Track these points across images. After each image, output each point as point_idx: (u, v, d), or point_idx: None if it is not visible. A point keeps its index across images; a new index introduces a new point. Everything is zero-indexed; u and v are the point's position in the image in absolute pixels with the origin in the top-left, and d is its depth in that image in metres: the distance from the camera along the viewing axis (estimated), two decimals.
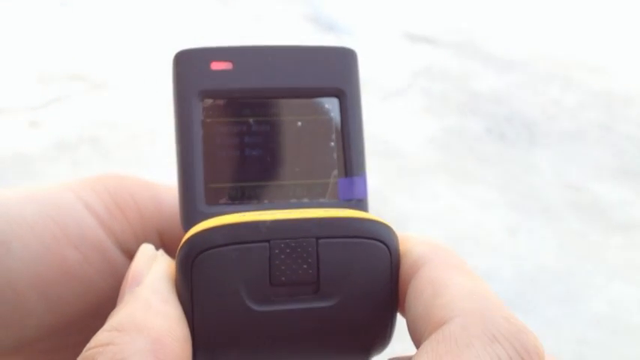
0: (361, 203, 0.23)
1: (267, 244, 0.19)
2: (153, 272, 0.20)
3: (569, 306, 1.32)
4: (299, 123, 0.23)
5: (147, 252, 0.21)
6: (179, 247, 0.20)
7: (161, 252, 0.21)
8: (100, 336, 0.18)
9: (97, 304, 0.23)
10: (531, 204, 1.62)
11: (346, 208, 0.22)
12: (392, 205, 1.54)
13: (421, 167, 1.70)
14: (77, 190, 0.23)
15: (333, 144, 0.23)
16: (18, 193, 0.23)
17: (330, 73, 0.23)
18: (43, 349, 0.23)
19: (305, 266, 0.19)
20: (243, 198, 0.22)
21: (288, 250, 0.19)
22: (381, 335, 0.20)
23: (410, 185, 1.63)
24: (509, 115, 2.00)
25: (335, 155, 0.23)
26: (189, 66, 0.22)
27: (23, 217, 0.22)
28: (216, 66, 0.22)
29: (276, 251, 0.19)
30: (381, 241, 0.20)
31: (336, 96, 0.23)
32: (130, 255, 0.24)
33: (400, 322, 0.21)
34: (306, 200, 0.22)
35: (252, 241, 0.19)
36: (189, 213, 0.21)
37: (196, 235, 0.19)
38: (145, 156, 1.58)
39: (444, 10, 2.71)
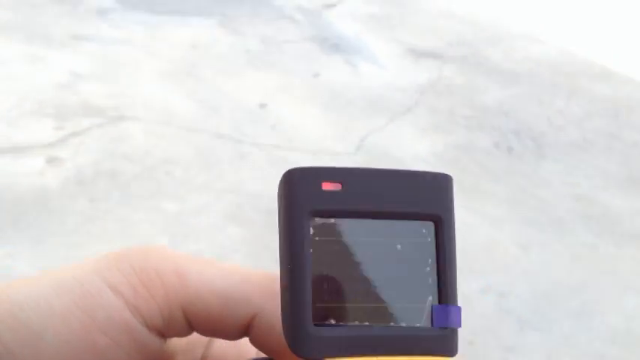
0: (453, 332, 0.24)
1: None
2: None
3: (585, 321, 1.34)
4: (398, 246, 0.24)
5: None
6: None
7: None
8: None
9: None
10: (542, 218, 1.64)
11: (440, 334, 0.24)
12: None
13: None
14: (103, 272, 0.24)
15: (428, 269, 0.24)
16: (46, 282, 0.24)
17: (428, 198, 0.24)
18: None
19: None
20: (346, 319, 0.23)
21: None
22: None
23: None
24: (516, 129, 2.02)
25: (430, 280, 0.24)
26: (301, 185, 0.23)
27: (53, 309, 0.24)
28: (327, 186, 0.23)
29: None
30: None
31: (433, 221, 0.24)
32: (155, 330, 0.25)
33: None
34: (403, 324, 0.23)
35: None
36: (298, 333, 0.22)
37: None
38: (161, 188, 1.61)
39: (445, 24, 2.74)
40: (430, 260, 0.24)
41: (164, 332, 0.25)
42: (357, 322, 0.23)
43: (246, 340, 0.29)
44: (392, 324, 0.23)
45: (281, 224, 0.23)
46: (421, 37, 2.57)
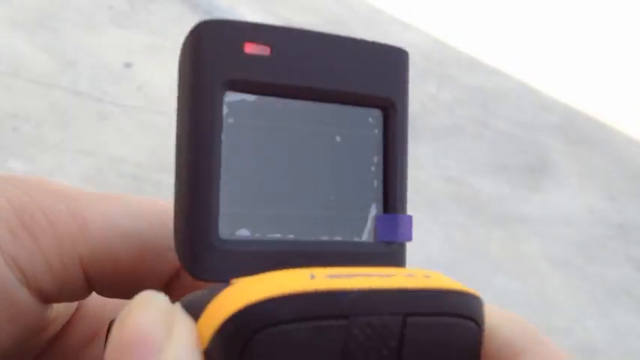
0: (402, 247, 0.19)
1: (345, 321, 0.15)
2: (176, 340, 0.14)
3: None
4: (338, 137, 0.18)
5: (159, 305, 0.15)
6: (213, 317, 0.15)
7: (178, 307, 0.15)
8: None
9: None
10: (417, 197, 1.64)
11: (385, 250, 0.18)
12: None
13: None
14: None
15: (373, 169, 0.19)
16: None
17: (380, 78, 0.19)
18: None
19: (385, 352, 0.16)
20: (265, 229, 0.17)
21: (368, 330, 0.15)
22: None
23: None
24: None
25: (375, 184, 0.19)
26: (215, 43, 0.16)
27: None
28: (251, 49, 0.17)
29: (355, 331, 0.15)
30: (474, 320, 0.17)
31: (383, 108, 0.19)
32: (38, 291, 0.18)
33: None
34: (339, 238, 0.18)
35: (329, 317, 0.15)
36: (198, 248, 0.16)
37: (255, 305, 0.14)
38: (7, 145, 1.41)
39: (323, 2, 2.70)
40: (376, 158, 0.19)
41: (52, 295, 0.18)
42: (278, 235, 0.17)
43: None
44: (324, 238, 0.18)
45: (182, 99, 0.17)
46: (298, 13, 2.51)
